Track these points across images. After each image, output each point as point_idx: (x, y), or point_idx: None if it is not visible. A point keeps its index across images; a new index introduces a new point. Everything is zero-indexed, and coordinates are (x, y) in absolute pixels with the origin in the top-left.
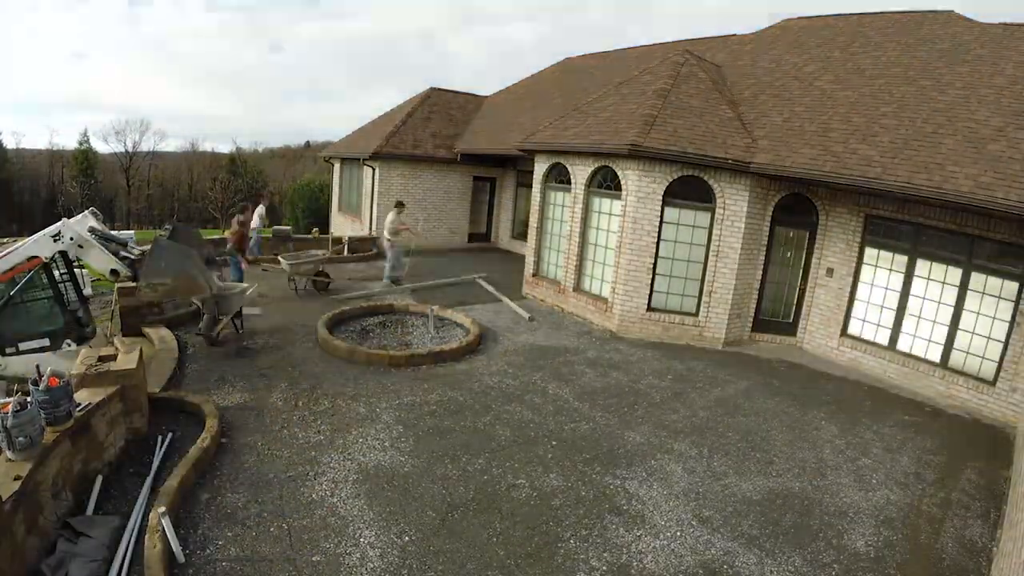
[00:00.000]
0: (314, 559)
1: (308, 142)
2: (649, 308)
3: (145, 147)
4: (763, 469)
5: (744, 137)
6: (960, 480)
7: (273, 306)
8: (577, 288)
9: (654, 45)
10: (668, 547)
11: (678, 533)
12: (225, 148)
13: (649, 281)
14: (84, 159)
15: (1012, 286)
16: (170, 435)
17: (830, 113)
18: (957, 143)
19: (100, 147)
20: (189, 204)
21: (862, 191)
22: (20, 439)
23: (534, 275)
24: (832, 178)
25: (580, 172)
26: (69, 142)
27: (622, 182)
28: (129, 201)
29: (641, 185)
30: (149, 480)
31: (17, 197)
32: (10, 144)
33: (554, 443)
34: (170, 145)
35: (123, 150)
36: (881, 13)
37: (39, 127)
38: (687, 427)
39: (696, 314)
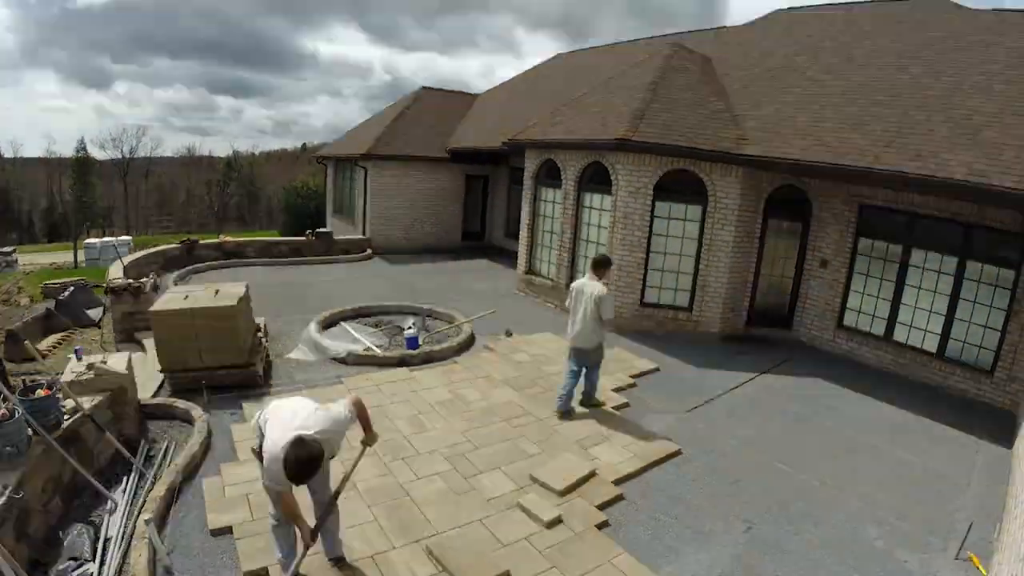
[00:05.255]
0: None
1: (304, 144)
2: (642, 303)
3: (142, 153)
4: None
5: (735, 129)
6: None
7: None
8: (570, 285)
9: (645, 39)
10: None
11: None
12: (222, 152)
13: (641, 276)
14: (80, 166)
15: (1008, 274)
16: (154, 442)
17: (822, 103)
18: (950, 130)
19: (98, 154)
20: (188, 209)
21: (855, 180)
22: (7, 449)
23: (527, 272)
24: (824, 167)
25: (571, 167)
26: (66, 150)
27: (612, 176)
28: (127, 207)
29: (631, 179)
30: (132, 486)
31: (16, 205)
32: (7, 153)
33: None
34: (167, 150)
35: (120, 156)
36: (872, 1)
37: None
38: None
39: (690, 309)
